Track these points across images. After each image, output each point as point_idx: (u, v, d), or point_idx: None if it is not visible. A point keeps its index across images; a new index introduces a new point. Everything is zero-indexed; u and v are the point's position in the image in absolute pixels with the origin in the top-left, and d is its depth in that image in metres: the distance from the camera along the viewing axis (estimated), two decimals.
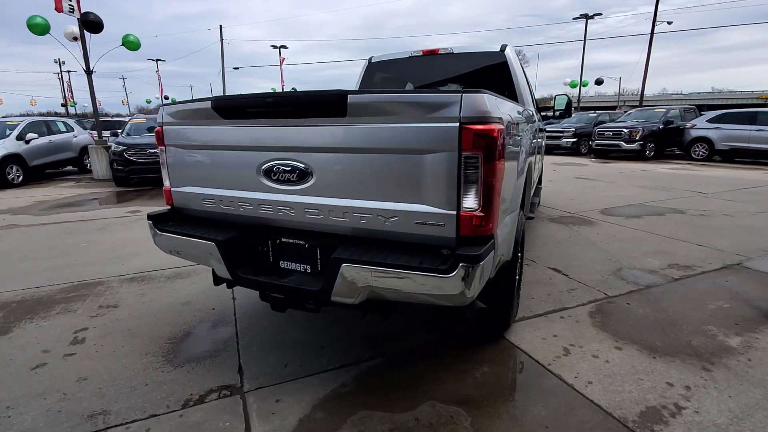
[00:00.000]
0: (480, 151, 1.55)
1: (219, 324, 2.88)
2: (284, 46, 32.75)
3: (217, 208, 2.23)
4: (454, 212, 1.65)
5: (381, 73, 4.02)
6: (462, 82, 4.24)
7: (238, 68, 38.69)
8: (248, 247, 2.16)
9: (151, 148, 8.44)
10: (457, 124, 1.57)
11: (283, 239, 2.09)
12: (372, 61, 4.04)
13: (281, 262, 2.12)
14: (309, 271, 2.06)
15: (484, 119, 1.54)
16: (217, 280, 2.29)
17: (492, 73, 3.68)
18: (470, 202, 1.62)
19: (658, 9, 23.54)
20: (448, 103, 1.59)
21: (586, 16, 30.31)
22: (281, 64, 31.29)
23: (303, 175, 1.90)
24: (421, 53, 3.86)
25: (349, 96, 1.68)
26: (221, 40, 32.08)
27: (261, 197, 2.04)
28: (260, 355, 2.48)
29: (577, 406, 1.98)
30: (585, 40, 30.60)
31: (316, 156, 1.87)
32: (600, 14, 30.68)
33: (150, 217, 2.37)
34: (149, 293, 3.40)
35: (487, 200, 1.60)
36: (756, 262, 3.78)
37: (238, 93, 5.90)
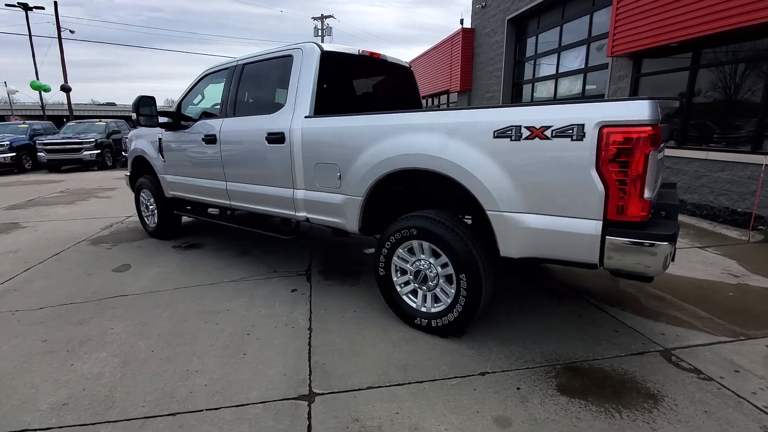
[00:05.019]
0: None
1: None
2: None
3: None
4: None
5: (333, 65, 3.23)
6: (390, 88, 4.09)
7: None
8: None
9: None
10: None
11: None
12: (324, 50, 3.13)
13: None
14: None
15: None
16: None
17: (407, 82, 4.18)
18: None
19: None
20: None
21: (25, 7, 21.82)
22: None
23: None
24: (367, 54, 3.54)
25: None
26: None
27: None
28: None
29: None
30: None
31: None
32: None
33: (668, 237, 1.82)
34: None
35: None
36: None
37: None
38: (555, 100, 9.85)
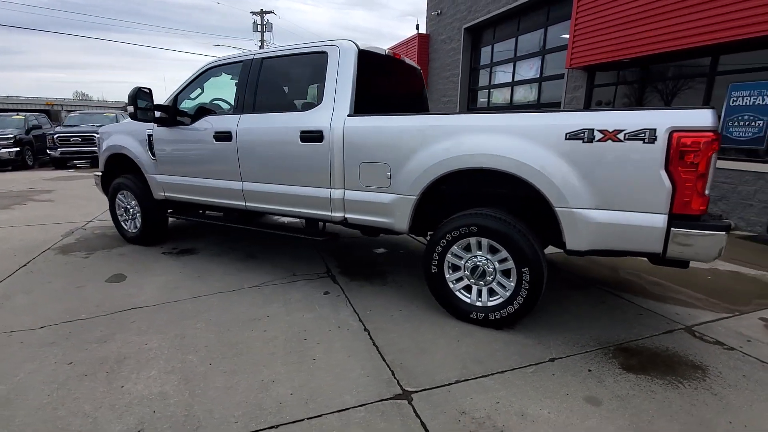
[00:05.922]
0: None
1: None
2: None
3: None
4: None
5: (365, 64, 3.20)
6: (405, 89, 4.04)
7: None
8: None
9: None
10: None
11: None
12: (360, 48, 3.10)
13: None
14: None
15: None
16: None
17: (418, 84, 4.24)
18: None
19: None
20: None
21: None
22: None
23: None
24: (392, 55, 3.54)
25: None
26: None
27: None
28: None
29: None
30: None
31: None
32: None
33: (725, 227, 2.08)
34: None
35: None
36: None
37: None
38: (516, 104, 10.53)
